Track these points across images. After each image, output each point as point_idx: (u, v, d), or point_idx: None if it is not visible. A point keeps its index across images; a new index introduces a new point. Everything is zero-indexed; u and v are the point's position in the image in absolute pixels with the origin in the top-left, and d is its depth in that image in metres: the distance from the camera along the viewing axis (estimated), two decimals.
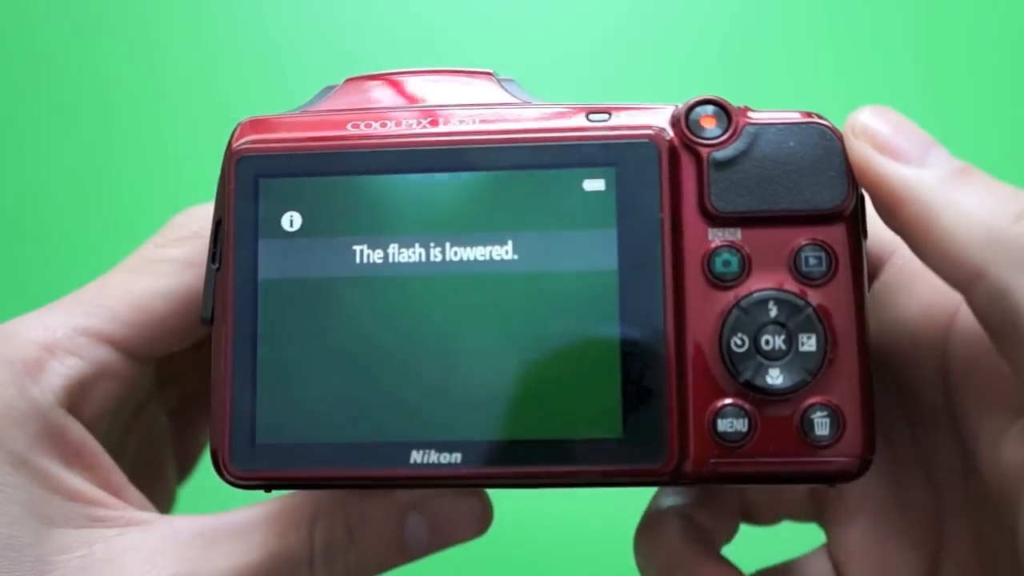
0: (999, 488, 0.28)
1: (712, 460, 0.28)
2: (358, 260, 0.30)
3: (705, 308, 0.29)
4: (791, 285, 0.29)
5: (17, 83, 0.67)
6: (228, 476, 0.29)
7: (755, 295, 0.29)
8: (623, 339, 0.29)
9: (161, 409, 0.39)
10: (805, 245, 0.29)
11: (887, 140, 0.28)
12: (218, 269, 0.30)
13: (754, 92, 0.32)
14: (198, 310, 0.34)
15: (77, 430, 0.33)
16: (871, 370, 0.29)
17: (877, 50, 0.64)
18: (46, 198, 0.65)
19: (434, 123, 0.30)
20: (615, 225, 0.29)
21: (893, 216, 0.28)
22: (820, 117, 0.29)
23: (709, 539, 0.34)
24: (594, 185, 0.29)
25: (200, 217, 0.36)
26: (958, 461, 0.30)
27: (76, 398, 0.33)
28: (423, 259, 0.30)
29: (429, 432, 0.29)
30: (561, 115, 0.30)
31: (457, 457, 0.29)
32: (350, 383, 0.29)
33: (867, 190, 0.28)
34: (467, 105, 0.31)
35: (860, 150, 0.28)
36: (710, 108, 0.30)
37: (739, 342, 0.29)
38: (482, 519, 0.35)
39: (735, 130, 0.29)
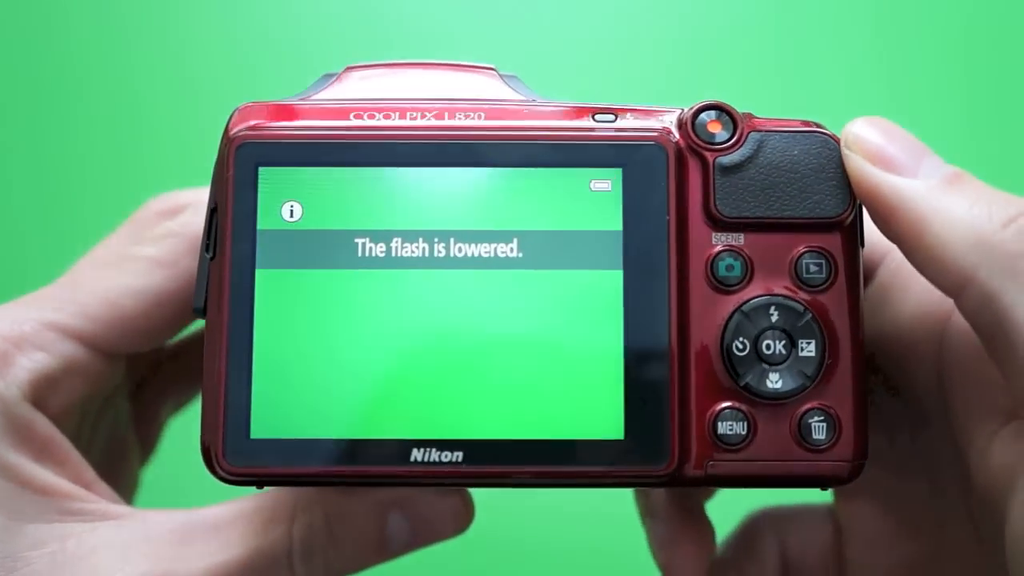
0: (988, 490, 0.29)
1: (711, 462, 0.29)
2: (360, 253, 0.29)
3: (708, 311, 0.29)
4: (792, 291, 0.29)
5: None
6: (220, 471, 0.29)
7: (757, 300, 0.29)
8: (626, 340, 0.29)
9: (123, 393, 0.38)
10: (806, 252, 0.29)
11: (880, 151, 0.29)
12: (212, 258, 0.29)
13: (751, 95, 0.32)
14: (171, 310, 0.34)
15: (44, 425, 0.32)
16: (866, 376, 0.29)
17: (879, 55, 0.64)
18: (21, 184, 0.63)
19: (439, 117, 0.30)
20: (621, 226, 0.29)
21: (887, 225, 0.28)
22: (821, 126, 0.30)
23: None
24: (601, 185, 0.29)
25: (175, 209, 0.35)
26: (956, 459, 0.31)
27: (42, 393, 0.33)
28: (426, 254, 0.29)
29: (430, 430, 0.29)
30: (567, 114, 0.30)
31: (458, 456, 0.28)
32: (349, 378, 0.29)
33: (862, 200, 0.29)
34: (472, 100, 0.30)
35: (854, 162, 0.29)
36: (716, 113, 0.30)
37: (740, 346, 0.29)
38: (463, 517, 0.35)
39: (741, 136, 0.30)
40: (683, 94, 0.31)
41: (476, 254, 0.29)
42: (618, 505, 0.39)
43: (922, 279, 0.29)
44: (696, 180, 0.30)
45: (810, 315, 0.29)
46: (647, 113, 0.30)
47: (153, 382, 0.40)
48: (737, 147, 0.29)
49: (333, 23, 0.64)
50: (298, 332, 0.29)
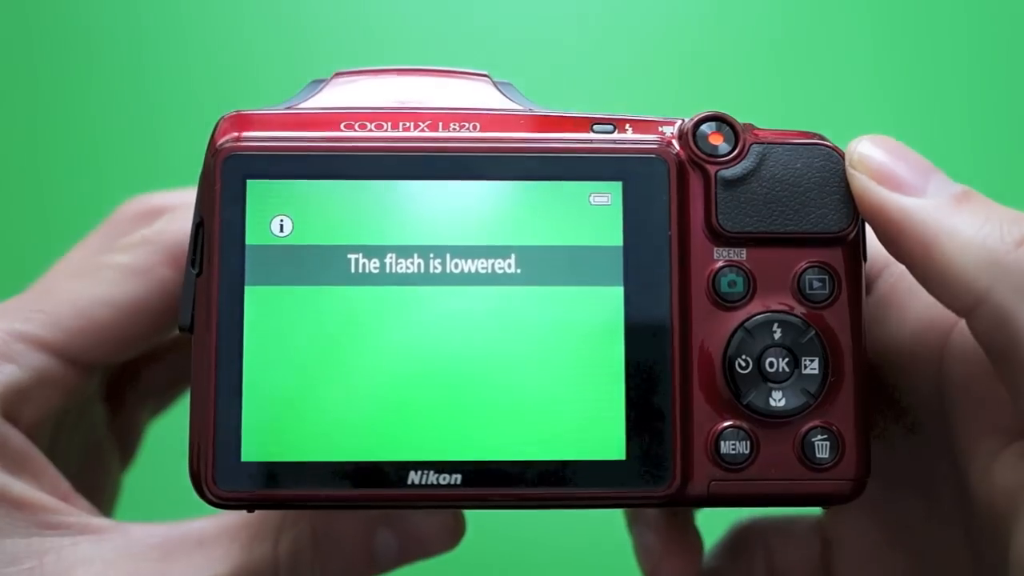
0: (990, 511, 0.28)
1: (714, 482, 0.28)
2: (353, 269, 0.28)
3: (709, 328, 0.29)
4: (795, 307, 0.29)
5: None
6: (210, 496, 0.28)
7: (760, 317, 0.29)
8: (627, 359, 0.28)
9: (99, 398, 0.37)
10: (808, 267, 0.29)
11: (886, 170, 0.28)
12: (199, 274, 0.28)
13: (747, 105, 0.31)
14: (145, 320, 0.33)
15: (17, 438, 0.32)
16: (868, 394, 0.29)
17: (878, 62, 0.64)
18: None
19: (433, 127, 0.29)
20: (622, 241, 0.28)
21: (895, 245, 0.28)
22: (823, 138, 0.29)
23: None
24: (601, 199, 0.28)
25: (150, 213, 0.34)
26: (953, 476, 0.31)
27: (13, 405, 0.32)
28: (422, 270, 0.28)
29: (427, 451, 0.28)
30: (565, 124, 0.29)
31: (457, 478, 0.28)
32: (343, 398, 0.28)
33: (868, 220, 0.29)
34: (466, 109, 0.30)
35: (860, 182, 0.28)
36: (716, 124, 0.29)
37: (743, 364, 0.28)
38: (454, 533, 0.34)
39: (743, 148, 0.29)
40: (678, 101, 0.31)
41: (473, 270, 0.28)
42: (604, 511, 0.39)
43: (921, 295, 0.29)
44: (698, 194, 0.29)
45: (813, 332, 0.28)
46: (646, 124, 0.29)
47: (130, 386, 0.39)
48: (739, 160, 0.29)
49: (319, 27, 0.63)
50: (289, 351, 0.28)
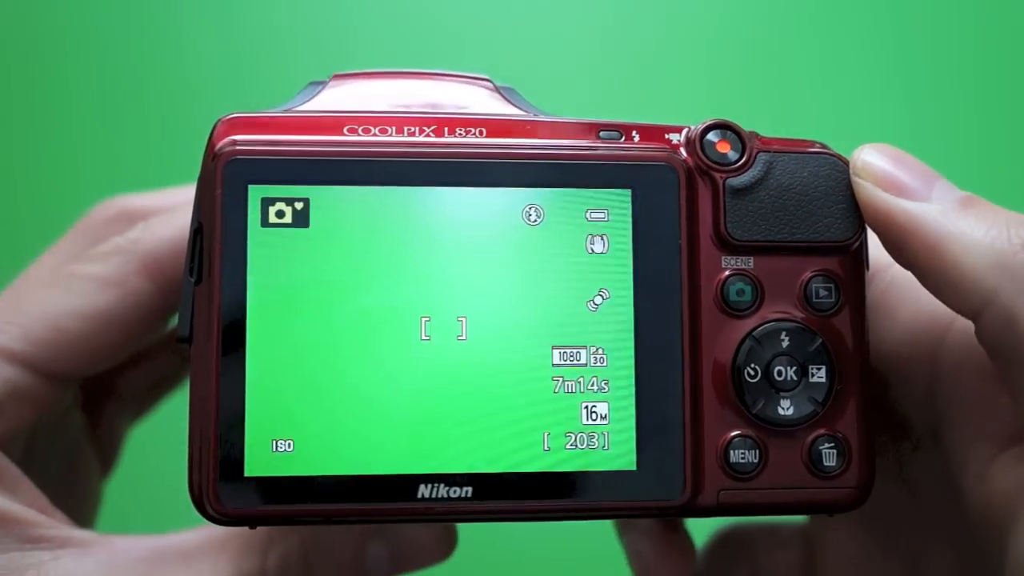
0: (987, 514, 0.29)
1: (723, 491, 0.28)
2: (362, 276, 0.27)
3: (719, 337, 0.28)
4: (802, 316, 0.29)
5: None
6: (212, 513, 0.27)
7: (768, 325, 0.29)
8: (638, 369, 0.28)
9: (76, 407, 0.36)
10: (815, 276, 0.29)
11: (890, 176, 0.28)
12: (197, 283, 0.27)
13: (745, 112, 0.31)
14: (120, 332, 0.33)
15: None
16: (872, 401, 0.29)
17: (881, 72, 0.64)
18: None
19: (438, 133, 0.28)
20: (631, 250, 0.28)
21: (901, 250, 0.28)
22: (827, 147, 0.29)
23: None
24: (598, 215, 0.28)
25: (123, 217, 0.33)
26: (941, 480, 0.31)
27: None
28: None
29: (437, 464, 0.27)
30: (571, 131, 0.29)
31: (467, 491, 0.27)
32: (349, 411, 0.27)
33: (873, 227, 0.29)
34: (470, 114, 0.29)
35: (865, 189, 0.28)
36: (724, 132, 0.29)
37: (752, 372, 0.28)
38: (445, 544, 0.33)
39: (750, 156, 0.29)
40: (673, 108, 0.31)
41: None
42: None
43: (912, 300, 0.29)
44: (706, 202, 0.29)
45: (820, 340, 0.29)
46: (652, 130, 0.29)
47: (108, 395, 0.37)
48: (747, 168, 0.29)
49: (316, 28, 0.61)
50: (295, 362, 0.27)
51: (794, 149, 0.29)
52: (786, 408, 0.28)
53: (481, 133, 0.28)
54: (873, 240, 0.30)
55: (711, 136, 0.29)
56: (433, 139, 0.28)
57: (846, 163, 0.29)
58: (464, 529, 0.34)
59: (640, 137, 0.29)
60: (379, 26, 0.62)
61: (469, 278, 0.28)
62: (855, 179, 0.29)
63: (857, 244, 0.29)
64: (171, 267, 0.32)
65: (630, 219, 0.28)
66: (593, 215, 0.28)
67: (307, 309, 0.27)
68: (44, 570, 0.29)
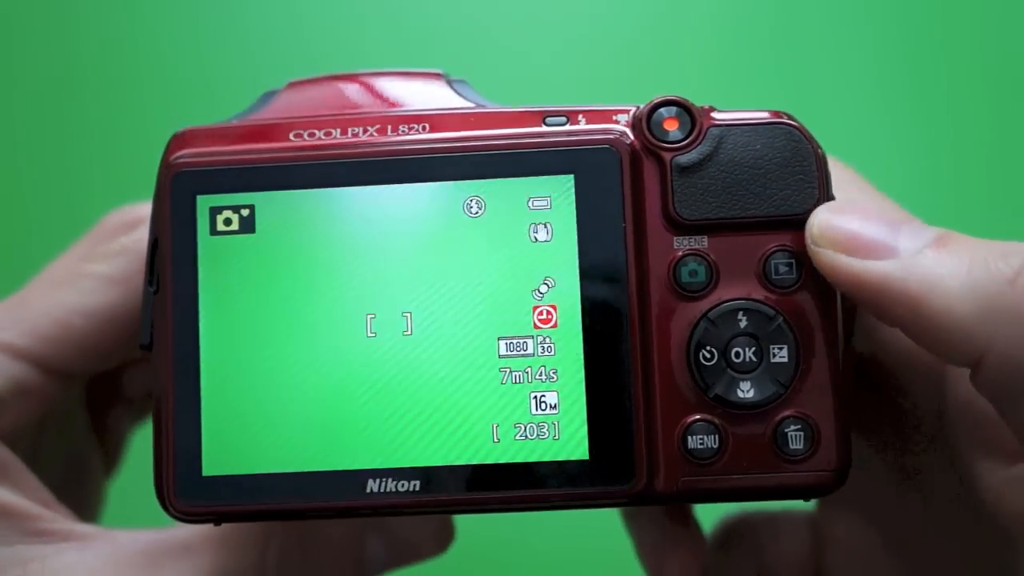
0: (1002, 529, 0.27)
1: (683, 479, 0.27)
2: (308, 279, 0.28)
3: (672, 320, 0.28)
4: (760, 294, 0.28)
5: None
6: (174, 511, 0.28)
7: (723, 305, 0.28)
8: (586, 356, 0.27)
9: (81, 405, 0.38)
10: (774, 252, 0.28)
11: (850, 239, 0.26)
12: (156, 292, 0.28)
13: (717, 89, 0.30)
14: (124, 330, 0.33)
15: None
16: (845, 381, 0.28)
17: (850, 45, 0.61)
18: None
19: (382, 131, 0.29)
20: (575, 236, 0.28)
21: (883, 314, 0.26)
22: (788, 117, 0.28)
23: None
24: (540, 203, 0.28)
25: (132, 223, 0.34)
26: (951, 486, 0.29)
27: None
28: None
29: (385, 459, 0.27)
30: (516, 119, 0.29)
31: (415, 485, 0.27)
32: (299, 410, 0.28)
33: (846, 295, 0.27)
34: (416, 111, 0.29)
35: (827, 258, 0.26)
36: (673, 110, 0.28)
37: (708, 355, 0.27)
38: (443, 538, 0.34)
39: (699, 133, 0.28)
40: (644, 91, 0.30)
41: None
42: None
43: None
44: (653, 183, 0.28)
45: (781, 319, 0.27)
46: (600, 113, 0.29)
47: (112, 393, 0.39)
48: (695, 145, 0.28)
49: (275, 38, 0.62)
50: (245, 365, 0.28)
51: (747, 121, 0.28)
52: (746, 391, 0.27)
53: (424, 128, 0.29)
54: None
55: (659, 114, 0.28)
56: (376, 138, 0.28)
57: (803, 131, 0.28)
58: (462, 524, 0.34)
59: (587, 121, 0.28)
60: (339, 31, 0.63)
61: (413, 274, 0.28)
62: (814, 250, 0.27)
63: None
64: None
65: (574, 205, 0.28)
66: (536, 203, 0.28)
67: (256, 312, 0.28)
68: (48, 563, 0.30)
